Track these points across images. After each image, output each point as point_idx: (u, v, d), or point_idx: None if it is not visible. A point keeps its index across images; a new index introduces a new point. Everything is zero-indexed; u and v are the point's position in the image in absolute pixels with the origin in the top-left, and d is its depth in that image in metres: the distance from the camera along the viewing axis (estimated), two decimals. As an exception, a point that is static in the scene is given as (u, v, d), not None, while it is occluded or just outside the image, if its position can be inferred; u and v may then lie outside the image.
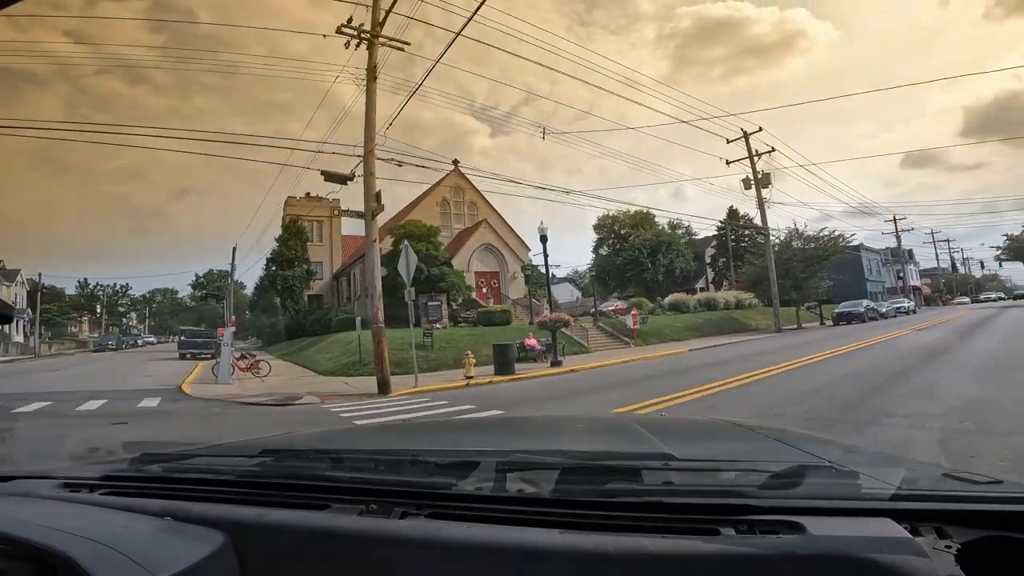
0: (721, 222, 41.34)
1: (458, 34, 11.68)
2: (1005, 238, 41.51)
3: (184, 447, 1.49)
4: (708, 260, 46.84)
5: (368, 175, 12.98)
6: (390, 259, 29.68)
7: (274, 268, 36.00)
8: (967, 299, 59.93)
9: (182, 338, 30.75)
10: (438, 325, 23.52)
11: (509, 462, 1.02)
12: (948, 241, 69.02)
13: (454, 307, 27.21)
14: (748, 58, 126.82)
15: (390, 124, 13.11)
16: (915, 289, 58.40)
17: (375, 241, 12.78)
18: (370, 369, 14.67)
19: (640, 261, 42.33)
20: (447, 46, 12.75)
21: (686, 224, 48.47)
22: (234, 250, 34.66)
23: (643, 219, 44.73)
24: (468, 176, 30.48)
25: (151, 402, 11.85)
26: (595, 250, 48.55)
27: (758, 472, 0.96)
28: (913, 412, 5.60)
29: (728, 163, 28.05)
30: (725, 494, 0.88)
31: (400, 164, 14.51)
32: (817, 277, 28.77)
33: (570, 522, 0.83)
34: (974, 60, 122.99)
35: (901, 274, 56.46)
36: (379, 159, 13.73)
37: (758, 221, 28.91)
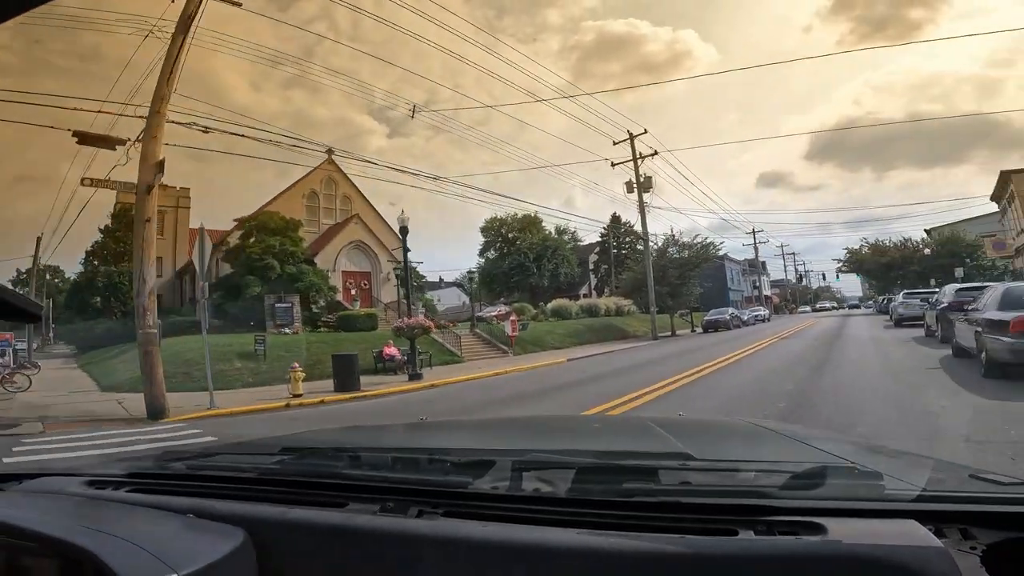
0: (605, 228, 41.16)
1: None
2: (845, 251, 45.29)
3: (207, 445, 1.21)
4: (592, 266, 46.65)
5: (150, 139, 9.40)
6: (231, 254, 25.21)
7: (96, 263, 29.58)
8: (808, 308, 66.13)
9: (-48, 345, 23.60)
10: (287, 330, 19.74)
11: (525, 461, 0.98)
12: (795, 255, 76.29)
13: (315, 310, 23.40)
14: (640, 75, 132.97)
15: (171, 74, 9.55)
16: (767, 298, 63.37)
17: (148, 220, 9.20)
18: (172, 384, 11.01)
19: (526, 266, 40.88)
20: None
21: (572, 229, 48.16)
22: (39, 240, 27.72)
23: (531, 223, 43.48)
24: (367, 165, 26.80)
25: None
26: (482, 253, 46.38)
27: (778, 472, 0.90)
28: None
29: (613, 165, 27.26)
30: (744, 494, 0.83)
31: (206, 130, 11.02)
32: (690, 284, 28.70)
33: (586, 522, 0.79)
34: (827, 84, 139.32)
35: (757, 284, 60.92)
36: (175, 122, 10.22)
37: (639, 227, 28.36)
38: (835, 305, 70.94)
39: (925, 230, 41.26)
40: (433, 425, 2.26)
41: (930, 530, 0.71)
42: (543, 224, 44.01)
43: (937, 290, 22.99)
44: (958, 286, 12.10)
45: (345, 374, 11.72)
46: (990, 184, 29.96)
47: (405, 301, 25.35)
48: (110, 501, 1.05)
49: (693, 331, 31.11)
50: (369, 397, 11.13)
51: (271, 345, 15.68)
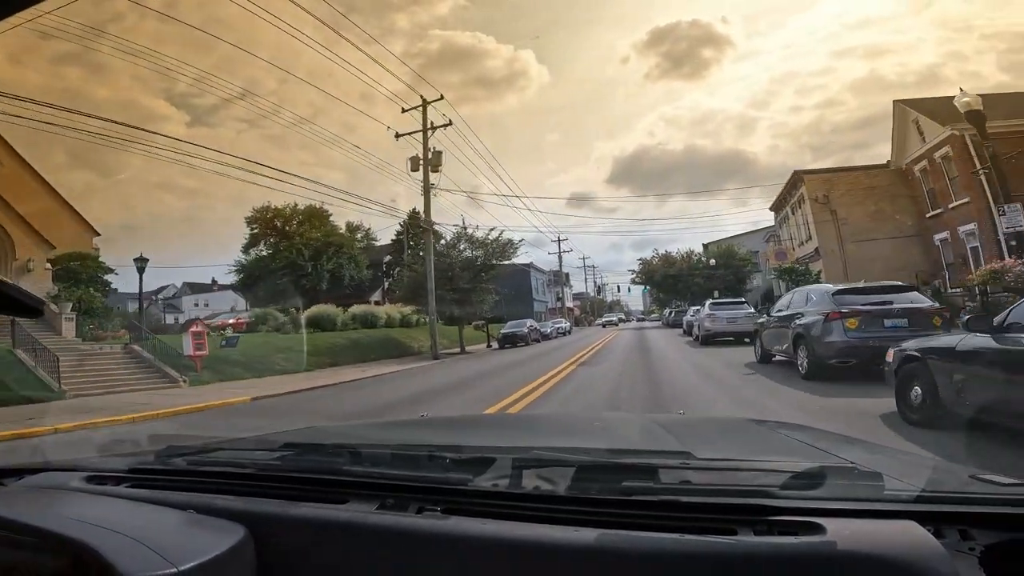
0: (401, 224, 34.35)
1: None
2: (639, 261, 45.37)
3: (208, 440, 1.40)
4: (384, 269, 39.32)
5: None
6: None
7: None
8: (602, 322, 67.80)
9: None
10: None
11: (526, 459, 0.96)
12: (595, 267, 78.84)
13: None
14: (477, 88, 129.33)
15: None
16: (569, 310, 63.14)
17: None
18: None
19: (299, 264, 31.93)
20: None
21: (367, 227, 40.35)
22: None
23: (314, 215, 34.66)
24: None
25: None
26: (247, 249, 35.71)
27: (778, 472, 0.87)
28: None
29: (397, 136, 20.60)
30: (743, 494, 0.81)
31: None
32: (482, 289, 23.06)
33: (586, 520, 0.77)
34: (633, 114, 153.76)
35: (560, 295, 60.06)
36: None
37: (447, 223, 21.96)
38: (623, 318, 74.45)
39: (703, 244, 42.98)
40: (434, 422, 2.22)
41: (929, 531, 0.69)
42: (331, 218, 35.79)
43: (742, 300, 20.67)
44: (832, 288, 7.92)
45: None
46: (741, 212, 30.43)
47: (53, 304, 15.11)
48: (111, 496, 1.03)
49: (489, 346, 25.85)
50: None
51: None
